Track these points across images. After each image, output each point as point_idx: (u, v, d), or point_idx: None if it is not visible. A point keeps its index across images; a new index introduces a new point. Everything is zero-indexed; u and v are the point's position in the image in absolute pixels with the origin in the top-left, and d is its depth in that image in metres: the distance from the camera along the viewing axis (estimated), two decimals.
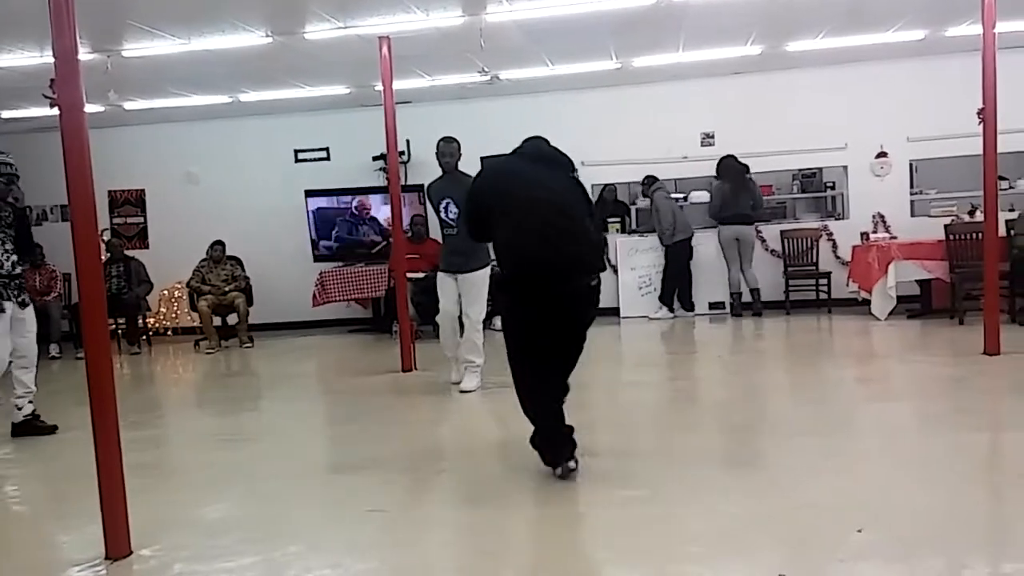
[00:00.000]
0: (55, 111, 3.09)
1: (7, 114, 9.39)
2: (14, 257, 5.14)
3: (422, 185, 6.86)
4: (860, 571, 2.67)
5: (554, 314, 3.58)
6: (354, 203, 10.15)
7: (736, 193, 9.15)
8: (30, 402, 5.33)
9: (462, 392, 5.85)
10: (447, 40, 7.32)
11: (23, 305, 5.17)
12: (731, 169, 9.18)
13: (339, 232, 10.17)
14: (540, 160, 3.86)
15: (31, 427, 5.31)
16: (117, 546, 3.07)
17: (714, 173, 9.35)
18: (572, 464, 3.61)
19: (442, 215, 5.82)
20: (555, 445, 3.66)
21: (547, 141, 4.00)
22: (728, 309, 9.46)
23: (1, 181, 5.05)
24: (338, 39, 7.08)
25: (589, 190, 10.62)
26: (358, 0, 6.24)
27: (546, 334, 3.62)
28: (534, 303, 3.57)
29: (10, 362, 5.18)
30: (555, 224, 3.58)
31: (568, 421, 3.68)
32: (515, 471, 3.92)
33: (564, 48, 8.07)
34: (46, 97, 3.18)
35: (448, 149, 5.82)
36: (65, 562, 3.11)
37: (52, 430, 5.34)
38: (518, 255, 3.61)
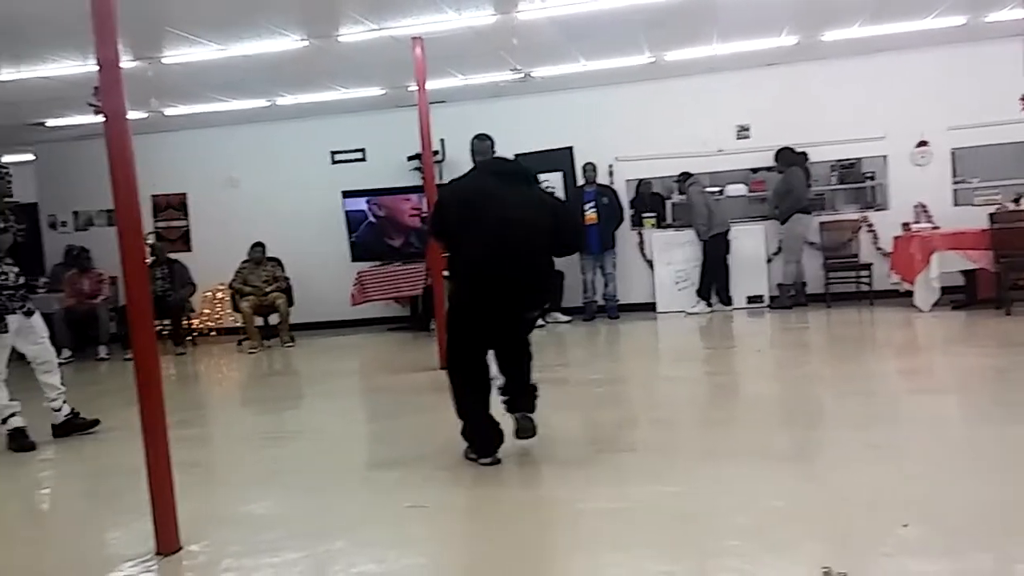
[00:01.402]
0: (99, 118, 3.16)
1: (52, 122, 9.62)
2: (16, 268, 5.08)
3: None
4: (906, 565, 2.64)
5: (497, 327, 4.03)
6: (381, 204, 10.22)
7: (807, 182, 9.18)
8: (65, 402, 5.34)
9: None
10: (480, 39, 7.35)
11: (28, 314, 5.12)
12: (795, 158, 9.16)
13: (366, 234, 10.23)
14: (508, 178, 4.17)
15: (72, 425, 5.34)
16: (167, 542, 3.15)
17: (774, 163, 9.29)
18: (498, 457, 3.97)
19: None
20: (488, 438, 4.03)
21: (491, 140, 4.59)
22: (767, 303, 9.38)
23: None
24: (372, 41, 7.15)
25: (623, 187, 10.55)
26: (391, 2, 6.30)
27: (489, 340, 4.07)
28: (481, 316, 3.98)
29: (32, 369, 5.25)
30: (515, 252, 3.90)
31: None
32: (554, 466, 3.95)
33: (596, 43, 8.05)
34: (90, 105, 3.27)
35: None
36: (117, 557, 3.19)
37: (94, 423, 5.38)
38: (475, 272, 3.93)
